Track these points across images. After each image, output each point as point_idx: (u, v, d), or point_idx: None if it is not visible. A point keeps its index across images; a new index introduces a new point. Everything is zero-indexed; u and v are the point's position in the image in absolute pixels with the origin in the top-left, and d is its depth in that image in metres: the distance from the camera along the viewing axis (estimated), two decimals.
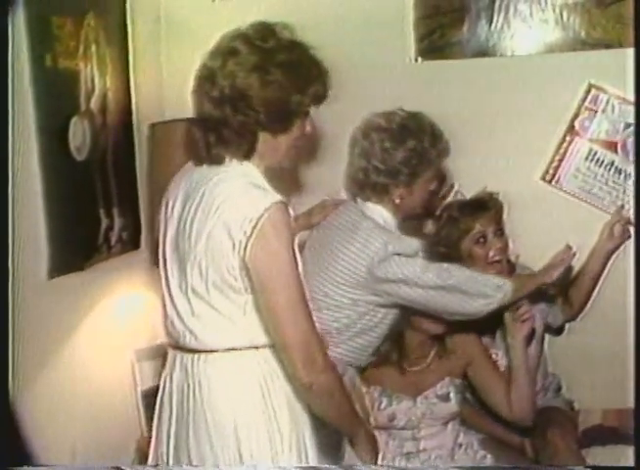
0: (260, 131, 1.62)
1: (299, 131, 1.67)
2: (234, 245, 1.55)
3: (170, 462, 1.68)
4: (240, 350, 1.62)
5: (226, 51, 1.62)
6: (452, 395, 2.26)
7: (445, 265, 2.05)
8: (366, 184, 2.08)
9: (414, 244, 2.04)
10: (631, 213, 2.42)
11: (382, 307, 2.07)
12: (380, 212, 2.07)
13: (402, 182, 2.05)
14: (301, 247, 2.15)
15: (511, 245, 2.39)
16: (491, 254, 2.31)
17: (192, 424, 1.64)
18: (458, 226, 2.31)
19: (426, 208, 2.18)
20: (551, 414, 2.40)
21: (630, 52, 2.44)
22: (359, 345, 2.09)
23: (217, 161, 1.63)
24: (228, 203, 1.58)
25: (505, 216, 2.37)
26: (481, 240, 2.31)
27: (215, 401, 1.62)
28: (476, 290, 2.04)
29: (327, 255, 2.05)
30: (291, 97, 1.61)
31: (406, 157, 2.04)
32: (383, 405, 2.24)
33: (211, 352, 1.63)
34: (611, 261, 2.48)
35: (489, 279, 2.09)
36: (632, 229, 2.37)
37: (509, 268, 2.37)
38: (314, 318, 1.59)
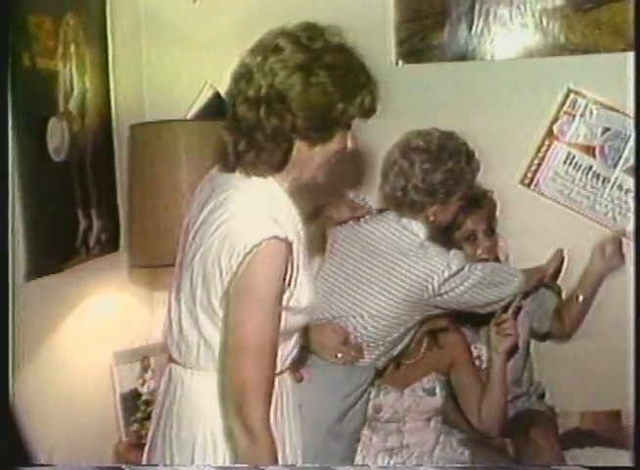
0: (296, 139, 1.50)
1: (339, 145, 1.53)
2: (221, 273, 1.48)
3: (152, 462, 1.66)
4: (207, 371, 1.56)
5: (268, 48, 1.48)
6: (438, 390, 2.30)
7: (474, 264, 2.16)
8: (403, 202, 2.13)
9: (463, 256, 2.13)
10: (629, 229, 2.45)
11: (418, 319, 2.15)
12: (421, 228, 2.13)
13: (439, 200, 2.12)
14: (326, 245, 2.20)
15: (502, 244, 2.41)
16: (479, 252, 2.35)
17: (166, 429, 1.62)
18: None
19: (453, 221, 2.25)
20: (534, 415, 2.43)
21: (609, 57, 2.48)
22: (382, 352, 2.14)
23: (246, 168, 1.52)
24: (225, 227, 1.48)
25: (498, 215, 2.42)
26: (471, 237, 2.35)
27: (185, 413, 1.58)
28: (501, 278, 2.18)
29: (377, 269, 2.10)
30: (335, 104, 1.47)
31: (445, 177, 2.10)
32: (370, 396, 2.25)
33: (185, 367, 1.59)
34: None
35: (504, 267, 2.28)
36: (630, 246, 2.39)
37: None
38: (274, 372, 1.50)
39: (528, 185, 2.57)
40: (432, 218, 2.13)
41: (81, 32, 2.21)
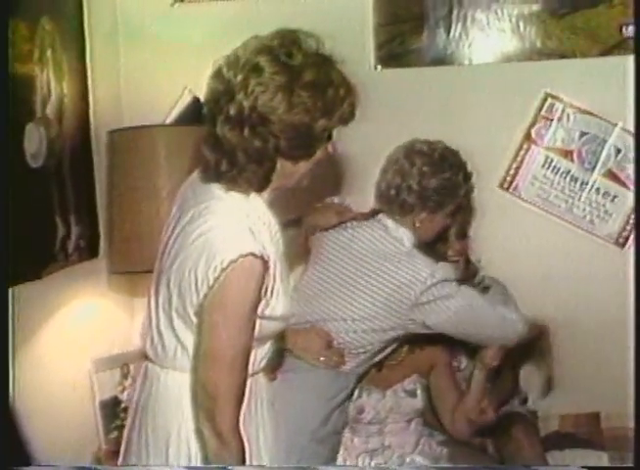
0: (279, 158, 1.51)
1: (322, 155, 1.55)
2: (196, 284, 1.49)
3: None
4: (183, 371, 1.57)
5: (248, 67, 1.47)
6: (419, 391, 2.30)
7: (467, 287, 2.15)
8: (394, 201, 2.13)
9: (450, 270, 2.14)
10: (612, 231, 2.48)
11: (401, 333, 2.13)
12: (408, 235, 2.13)
13: (428, 208, 2.12)
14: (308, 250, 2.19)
15: (472, 247, 2.42)
16: (450, 253, 2.35)
17: (141, 427, 1.63)
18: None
19: (437, 238, 2.23)
20: (515, 417, 2.44)
21: (585, 62, 2.51)
22: (363, 360, 2.13)
23: (227, 185, 1.52)
24: (203, 238, 1.49)
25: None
26: (443, 238, 2.34)
27: (160, 411, 1.60)
28: (496, 317, 2.16)
29: (360, 274, 2.08)
30: (317, 121, 1.48)
31: (441, 185, 2.11)
32: (353, 398, 2.25)
33: (162, 367, 1.61)
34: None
35: (503, 308, 2.20)
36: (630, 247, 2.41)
37: (468, 270, 2.40)
38: (247, 381, 1.52)
39: (507, 189, 2.59)
40: (418, 225, 2.13)
41: (58, 37, 2.20)
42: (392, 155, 2.17)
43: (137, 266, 2.21)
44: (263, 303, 1.52)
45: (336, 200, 2.25)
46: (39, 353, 2.09)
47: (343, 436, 2.25)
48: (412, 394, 2.30)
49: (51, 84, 2.16)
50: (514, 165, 2.58)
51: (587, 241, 2.55)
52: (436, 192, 2.11)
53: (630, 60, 2.44)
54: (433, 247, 2.26)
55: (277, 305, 1.56)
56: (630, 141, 2.51)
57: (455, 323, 2.09)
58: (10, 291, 1.84)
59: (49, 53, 2.16)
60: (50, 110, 2.15)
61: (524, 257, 2.56)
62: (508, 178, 2.59)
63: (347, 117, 1.54)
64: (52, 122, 2.16)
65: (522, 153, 2.57)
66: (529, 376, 2.56)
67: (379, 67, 2.59)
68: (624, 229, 2.53)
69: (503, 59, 2.56)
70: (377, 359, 2.18)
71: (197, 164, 1.63)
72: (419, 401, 2.30)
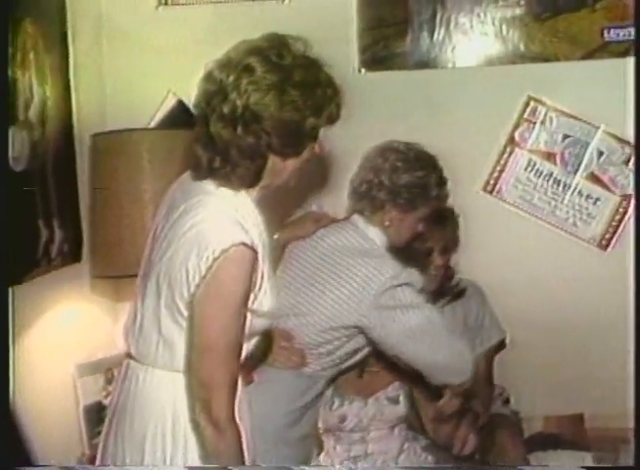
0: (270, 155, 1.56)
1: (309, 154, 1.61)
2: (188, 277, 1.52)
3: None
4: (164, 369, 1.60)
5: (240, 67, 1.53)
6: (401, 398, 2.30)
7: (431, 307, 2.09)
8: (366, 197, 2.12)
9: (419, 278, 2.10)
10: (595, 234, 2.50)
11: (361, 344, 2.10)
12: (378, 234, 2.11)
13: (398, 206, 2.09)
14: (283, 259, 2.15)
15: (452, 264, 2.41)
16: (430, 268, 2.35)
17: (118, 426, 1.64)
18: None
19: (408, 245, 2.18)
20: (498, 419, 2.45)
21: (567, 65, 2.53)
22: (328, 363, 2.11)
23: (219, 181, 1.56)
24: (195, 230, 1.52)
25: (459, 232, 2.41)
26: (426, 253, 2.34)
27: (138, 410, 1.62)
28: (452, 352, 2.07)
29: (328, 275, 2.05)
30: (306, 119, 1.54)
31: (411, 182, 2.09)
32: (334, 406, 2.26)
33: (142, 364, 1.63)
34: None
35: (462, 343, 2.13)
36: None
37: (444, 281, 2.42)
38: (237, 373, 1.55)
39: (491, 192, 2.60)
40: (387, 224, 2.10)
41: (41, 40, 2.18)
42: (369, 153, 2.16)
43: (120, 271, 2.20)
44: (252, 297, 1.55)
45: (315, 208, 2.24)
46: (22, 359, 2.07)
47: (326, 443, 2.25)
48: (395, 401, 2.29)
49: (34, 87, 2.14)
50: (497, 168, 2.59)
51: (570, 243, 2.57)
52: (407, 189, 2.08)
53: (612, 63, 2.49)
54: (414, 259, 2.22)
55: (265, 300, 1.59)
56: (613, 144, 2.53)
57: (408, 339, 2.02)
58: None
59: (32, 56, 2.14)
60: (33, 113, 2.14)
61: (507, 259, 2.57)
62: (491, 181, 2.60)
63: (334, 118, 1.60)
64: (35, 126, 2.14)
65: (505, 156, 2.59)
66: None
67: (363, 70, 2.60)
68: (607, 232, 2.55)
69: (486, 62, 2.58)
70: (345, 367, 2.14)
71: (185, 166, 1.66)
72: (402, 408, 2.29)
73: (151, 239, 1.65)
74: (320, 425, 2.28)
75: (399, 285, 2.01)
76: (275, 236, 2.08)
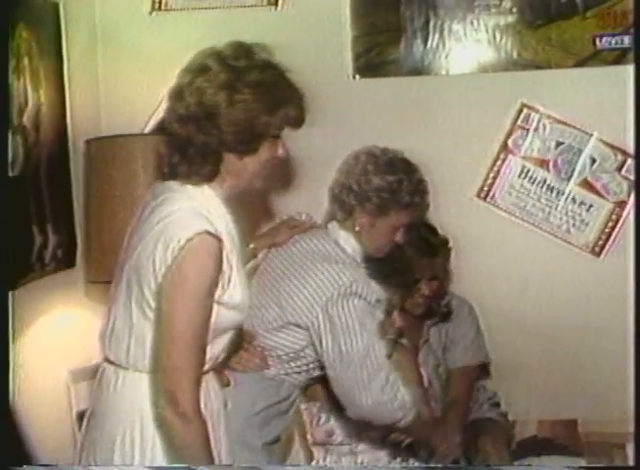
0: (225, 152, 1.60)
1: (269, 154, 1.63)
2: (155, 269, 1.55)
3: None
4: (135, 370, 1.61)
5: (197, 68, 1.60)
6: None
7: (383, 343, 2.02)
8: (337, 200, 2.11)
9: (378, 293, 2.04)
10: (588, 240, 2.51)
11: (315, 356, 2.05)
12: (350, 242, 2.08)
13: (367, 211, 2.07)
14: (257, 265, 2.15)
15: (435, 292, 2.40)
16: (416, 295, 2.35)
17: (89, 428, 1.67)
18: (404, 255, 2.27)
19: (383, 253, 2.13)
20: (483, 424, 2.45)
21: (560, 73, 2.54)
22: (293, 368, 2.08)
23: (180, 179, 1.62)
24: (161, 224, 1.56)
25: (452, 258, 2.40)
26: (414, 282, 2.33)
27: (109, 412, 1.63)
28: (387, 390, 2.00)
29: (299, 278, 2.04)
30: (258, 118, 1.58)
31: (380, 187, 2.06)
32: (321, 421, 2.25)
33: (115, 365, 1.64)
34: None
35: (399, 385, 2.04)
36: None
37: (433, 309, 2.42)
38: (204, 364, 1.57)
39: (484, 198, 2.61)
40: (357, 229, 2.08)
41: (35, 45, 2.18)
42: (347, 156, 2.15)
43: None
44: (221, 290, 1.57)
45: (302, 216, 2.22)
46: (16, 364, 2.06)
47: (316, 453, 2.24)
48: None
49: (28, 93, 2.14)
50: (491, 175, 2.60)
51: (564, 249, 2.57)
52: (376, 193, 2.05)
53: (605, 71, 2.51)
54: (400, 285, 2.21)
55: (234, 293, 1.61)
56: (606, 151, 2.54)
57: (346, 357, 1.96)
58: None
59: (26, 61, 2.14)
60: (27, 118, 2.13)
61: (500, 265, 2.58)
62: (485, 188, 2.61)
63: (294, 120, 1.63)
64: (29, 131, 2.14)
65: (498, 163, 2.59)
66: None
67: (357, 76, 2.61)
68: (600, 238, 2.56)
69: (480, 69, 2.59)
70: (316, 374, 2.09)
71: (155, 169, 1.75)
72: None
73: (125, 244, 1.68)
74: (309, 438, 2.28)
75: (352, 295, 1.96)
76: (251, 245, 2.11)
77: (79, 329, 2.38)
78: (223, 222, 1.62)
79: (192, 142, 1.58)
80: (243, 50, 1.61)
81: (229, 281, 1.59)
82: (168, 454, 1.59)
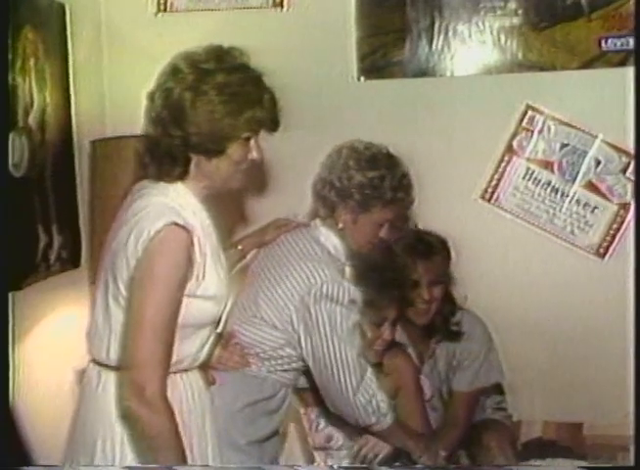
0: (192, 154, 1.62)
1: (239, 156, 1.63)
2: (127, 261, 1.57)
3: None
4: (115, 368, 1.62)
5: (169, 70, 1.63)
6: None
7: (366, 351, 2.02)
8: (320, 197, 2.08)
9: (351, 293, 1.98)
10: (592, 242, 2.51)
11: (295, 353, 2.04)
12: (332, 240, 2.06)
13: (350, 207, 2.04)
14: (246, 266, 2.15)
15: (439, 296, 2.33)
16: (417, 302, 2.27)
17: (72, 428, 1.69)
18: (396, 260, 2.21)
19: (369, 249, 2.09)
20: (488, 424, 2.43)
21: (564, 74, 2.54)
22: (276, 367, 2.05)
23: (152, 177, 1.66)
24: (134, 219, 1.59)
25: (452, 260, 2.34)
26: (413, 286, 2.26)
27: (90, 412, 1.65)
28: (367, 393, 2.00)
29: (276, 276, 2.03)
30: (222, 121, 1.59)
31: (362, 183, 2.02)
32: (320, 426, 2.24)
33: (98, 363, 1.66)
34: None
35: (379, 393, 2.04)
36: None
37: (436, 318, 2.34)
38: (172, 357, 1.57)
39: (489, 200, 2.61)
40: (340, 226, 2.05)
41: (41, 46, 2.19)
42: (331, 151, 2.10)
43: None
44: (195, 282, 1.58)
45: (291, 216, 2.21)
46: (20, 365, 2.07)
47: (317, 456, 2.23)
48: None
49: (33, 94, 2.15)
50: (495, 176, 2.60)
51: (568, 251, 2.57)
52: (357, 190, 2.02)
53: (610, 73, 2.50)
54: (397, 289, 2.13)
55: (209, 285, 1.61)
56: (611, 153, 2.54)
57: (320, 358, 1.96)
58: None
59: (32, 62, 2.15)
60: (32, 119, 2.14)
61: (504, 267, 2.58)
62: (489, 189, 2.61)
63: (261, 121, 1.62)
64: (34, 132, 2.15)
65: (503, 164, 2.59)
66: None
67: (362, 78, 2.61)
68: (604, 240, 2.56)
69: (484, 71, 2.59)
70: (302, 372, 2.07)
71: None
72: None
73: (106, 245, 1.69)
74: (310, 441, 2.27)
75: (323, 297, 1.94)
76: (239, 247, 2.11)
77: (84, 330, 2.38)
78: (197, 217, 1.63)
79: (159, 143, 1.62)
80: (215, 53, 1.62)
81: (203, 273, 1.60)
82: (137, 448, 1.58)
